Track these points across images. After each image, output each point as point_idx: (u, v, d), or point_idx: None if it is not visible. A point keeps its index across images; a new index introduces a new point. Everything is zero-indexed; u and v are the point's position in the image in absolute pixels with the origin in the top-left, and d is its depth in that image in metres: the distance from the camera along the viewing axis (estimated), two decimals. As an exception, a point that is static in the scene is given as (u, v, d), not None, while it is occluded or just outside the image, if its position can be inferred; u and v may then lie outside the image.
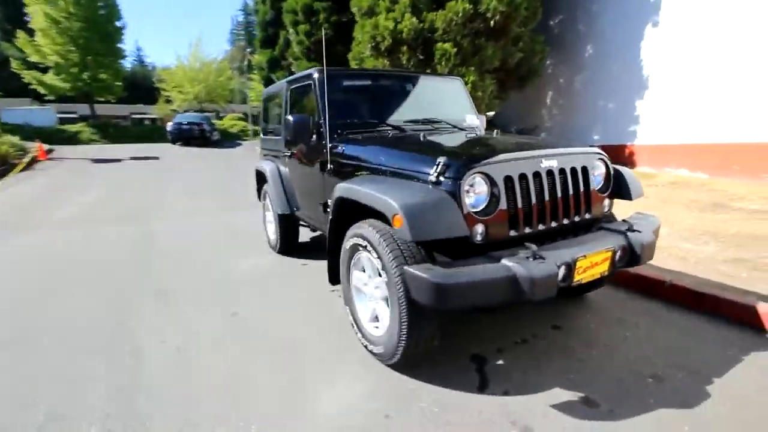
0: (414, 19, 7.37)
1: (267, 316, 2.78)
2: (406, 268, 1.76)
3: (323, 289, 3.17)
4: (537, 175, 2.05)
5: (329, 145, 2.72)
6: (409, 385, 1.99)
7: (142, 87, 38.53)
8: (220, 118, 27.86)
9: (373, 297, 2.20)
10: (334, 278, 2.58)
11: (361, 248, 2.13)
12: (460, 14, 7.15)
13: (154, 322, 2.72)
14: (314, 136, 2.96)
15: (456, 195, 1.84)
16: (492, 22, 7.38)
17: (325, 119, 2.80)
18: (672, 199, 5.41)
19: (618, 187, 2.44)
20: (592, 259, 1.95)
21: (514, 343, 2.34)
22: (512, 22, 7.60)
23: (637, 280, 3.00)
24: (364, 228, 2.08)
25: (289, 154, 3.58)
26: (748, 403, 1.80)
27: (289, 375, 2.09)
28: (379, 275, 2.10)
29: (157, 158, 13.10)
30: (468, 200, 1.88)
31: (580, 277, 1.92)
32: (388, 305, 2.09)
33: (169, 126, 17.03)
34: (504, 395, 1.89)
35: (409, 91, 3.35)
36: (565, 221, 2.17)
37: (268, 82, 17.87)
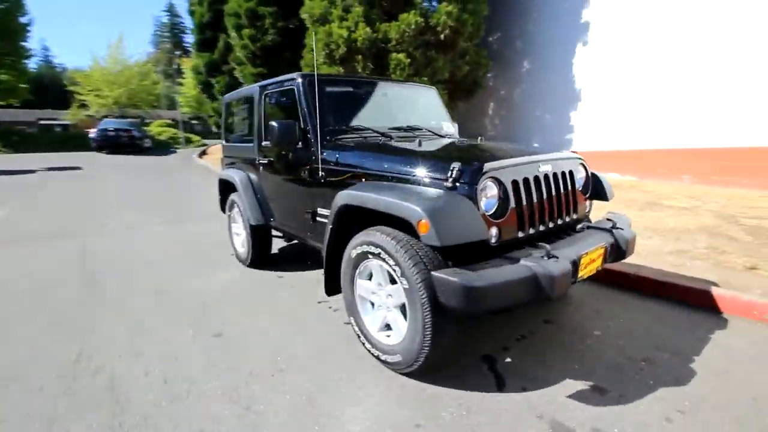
0: (368, 29, 7.46)
1: (257, 334, 2.60)
2: (435, 273, 1.75)
3: (310, 302, 3.05)
4: (536, 179, 2.17)
5: (320, 152, 2.65)
6: (429, 390, 1.98)
7: (51, 90, 34.50)
8: (146, 125, 25.77)
9: (384, 305, 2.17)
10: (331, 289, 2.50)
11: (371, 256, 2.09)
12: (413, 26, 7.38)
13: (128, 348, 2.42)
14: (299, 143, 2.85)
15: (473, 199, 1.89)
16: (442, 36, 7.71)
17: (314, 125, 2.73)
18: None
19: (596, 189, 2.67)
20: (591, 256, 2.10)
21: (516, 341, 2.43)
22: (459, 36, 8.00)
23: (604, 273, 3.28)
24: (376, 235, 2.04)
25: (265, 161, 3.41)
26: (729, 375, 2.05)
27: (301, 396, 1.97)
28: (392, 283, 2.08)
29: (79, 168, 11.73)
30: (482, 204, 1.93)
31: (582, 273, 2.06)
32: (402, 313, 2.07)
33: (93, 132, 15.42)
34: (523, 391, 1.95)
35: (389, 99, 3.37)
36: (560, 222, 2.32)
37: (206, 86, 16.92)
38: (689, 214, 4.90)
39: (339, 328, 2.65)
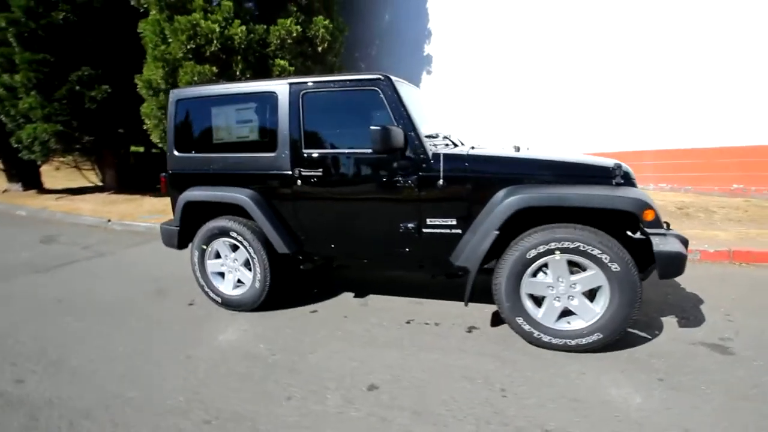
0: (244, 27, 6.66)
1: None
2: (663, 248, 2.12)
3: (454, 334, 2.81)
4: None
5: (442, 160, 2.54)
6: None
7: None
8: None
9: (565, 295, 2.36)
10: (468, 299, 2.49)
11: (559, 252, 2.26)
12: (294, 35, 7.07)
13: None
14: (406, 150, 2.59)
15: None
16: (320, 48, 7.69)
17: (416, 130, 2.58)
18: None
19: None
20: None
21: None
22: (330, 51, 8.17)
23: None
24: (571, 232, 2.23)
25: (311, 174, 2.81)
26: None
27: None
28: (572, 274, 2.31)
29: None
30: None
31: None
32: (588, 297, 2.34)
33: None
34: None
35: (422, 103, 3.37)
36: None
37: None
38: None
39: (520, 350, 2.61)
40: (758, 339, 2.49)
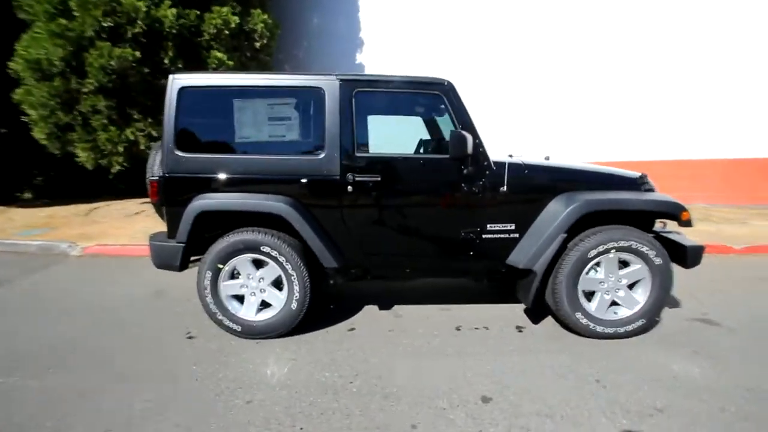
0: (174, 10, 5.76)
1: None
2: (692, 243, 2.56)
3: (546, 348, 2.80)
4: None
5: (506, 167, 2.62)
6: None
7: None
8: None
9: (613, 289, 2.65)
10: (536, 303, 2.64)
11: (614, 251, 2.54)
12: (232, 25, 6.39)
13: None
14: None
15: (654, 195, 2.82)
16: (258, 44, 7.09)
17: (479, 137, 2.64)
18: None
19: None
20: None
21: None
22: (265, 49, 7.60)
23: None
24: (627, 233, 2.53)
25: (368, 180, 2.58)
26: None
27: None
28: (620, 268, 2.63)
29: None
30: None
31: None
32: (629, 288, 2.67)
33: None
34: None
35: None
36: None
37: None
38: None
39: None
40: (729, 310, 3.15)
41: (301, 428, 1.85)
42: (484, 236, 2.70)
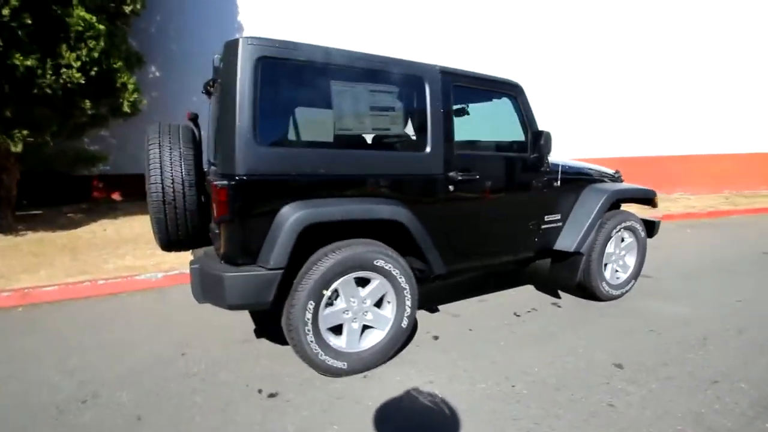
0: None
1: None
2: (657, 219, 3.49)
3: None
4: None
5: (559, 164, 2.99)
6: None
7: None
8: None
9: (617, 261, 3.39)
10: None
11: (623, 229, 3.27)
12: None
13: None
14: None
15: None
16: (128, 8, 5.35)
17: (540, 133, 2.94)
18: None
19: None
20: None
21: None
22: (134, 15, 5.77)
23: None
24: (630, 215, 3.28)
25: (466, 179, 2.48)
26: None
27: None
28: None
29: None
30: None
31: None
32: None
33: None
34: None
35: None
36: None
37: None
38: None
39: None
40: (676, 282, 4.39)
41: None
42: (542, 227, 3.01)
